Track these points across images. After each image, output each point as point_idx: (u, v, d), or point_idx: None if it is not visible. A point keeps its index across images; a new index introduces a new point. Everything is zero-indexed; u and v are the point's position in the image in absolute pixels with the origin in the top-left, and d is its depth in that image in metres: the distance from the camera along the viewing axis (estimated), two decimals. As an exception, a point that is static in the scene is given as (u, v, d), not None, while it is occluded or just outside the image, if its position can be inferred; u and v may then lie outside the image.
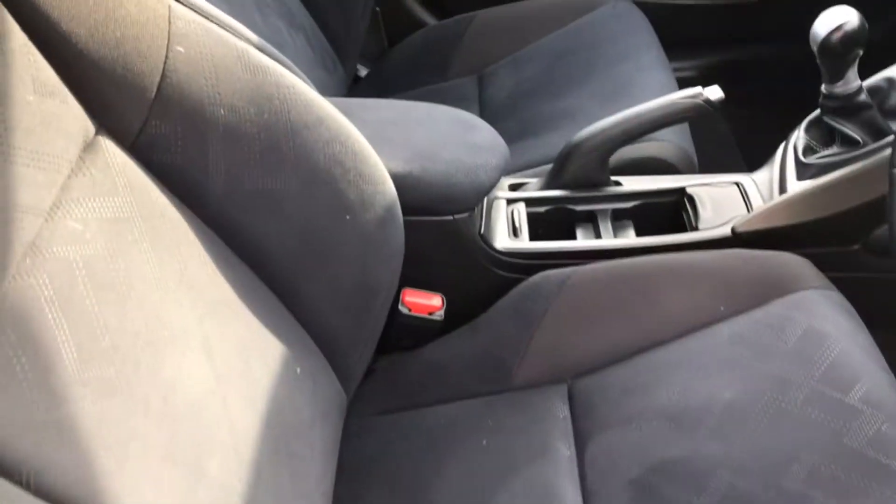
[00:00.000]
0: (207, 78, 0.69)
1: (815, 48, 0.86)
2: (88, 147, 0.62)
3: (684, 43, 1.66)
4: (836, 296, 0.82)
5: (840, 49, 0.84)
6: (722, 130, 1.60)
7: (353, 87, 1.49)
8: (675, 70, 1.33)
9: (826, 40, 0.84)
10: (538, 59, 1.38)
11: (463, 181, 0.88)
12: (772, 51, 1.68)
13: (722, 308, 0.82)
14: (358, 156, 0.79)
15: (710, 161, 1.21)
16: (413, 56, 1.52)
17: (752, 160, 1.51)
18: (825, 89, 0.90)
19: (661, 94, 1.20)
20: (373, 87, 1.50)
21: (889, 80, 0.95)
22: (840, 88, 0.88)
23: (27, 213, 0.54)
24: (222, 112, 0.69)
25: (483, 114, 1.34)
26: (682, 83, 1.29)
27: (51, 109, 0.58)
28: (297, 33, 1.27)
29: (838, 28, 0.83)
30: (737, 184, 0.98)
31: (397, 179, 0.83)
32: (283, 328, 0.75)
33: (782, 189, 0.93)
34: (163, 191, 0.67)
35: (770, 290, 0.82)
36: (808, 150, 0.94)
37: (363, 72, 1.58)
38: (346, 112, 0.83)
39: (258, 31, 1.15)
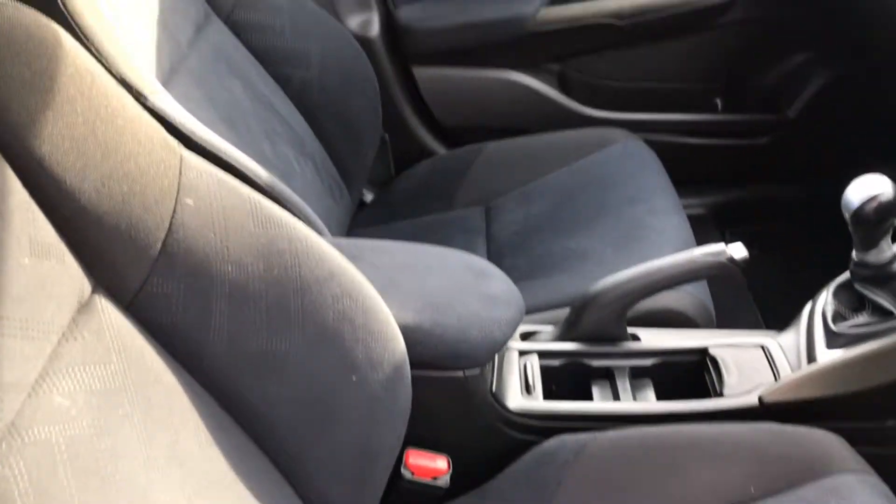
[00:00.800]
0: (216, 232, 0.65)
1: (847, 216, 0.83)
2: (83, 308, 0.57)
3: (694, 180, 1.65)
4: (874, 481, 0.76)
5: (874, 219, 0.81)
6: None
7: (357, 213, 1.46)
8: (685, 207, 1.32)
9: (860, 210, 0.81)
10: (547, 195, 1.36)
11: (476, 336, 0.83)
12: (782, 191, 1.67)
13: (752, 489, 0.76)
14: (368, 312, 0.74)
15: (724, 310, 1.17)
16: (420, 184, 1.50)
17: (766, 307, 1.49)
18: (857, 257, 0.86)
19: (675, 240, 1.19)
20: (378, 214, 1.47)
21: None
22: (873, 257, 0.85)
23: (9, 391, 0.48)
24: (229, 268, 0.65)
25: (490, 248, 1.31)
26: (692, 221, 1.27)
27: (46, 272, 0.54)
28: (305, 161, 1.24)
29: (873, 198, 0.80)
30: (762, 347, 0.93)
31: (407, 332, 0.78)
32: (278, 501, 0.68)
33: (811, 357, 0.88)
34: (159, 353, 0.62)
35: (804, 471, 0.76)
36: (838, 317, 0.90)
37: (368, 197, 1.55)
38: (357, 256, 0.79)
39: (267, 161, 1.13)
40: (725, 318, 1.16)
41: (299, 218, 0.97)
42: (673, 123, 1.63)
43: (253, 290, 0.66)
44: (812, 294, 0.98)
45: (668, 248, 1.16)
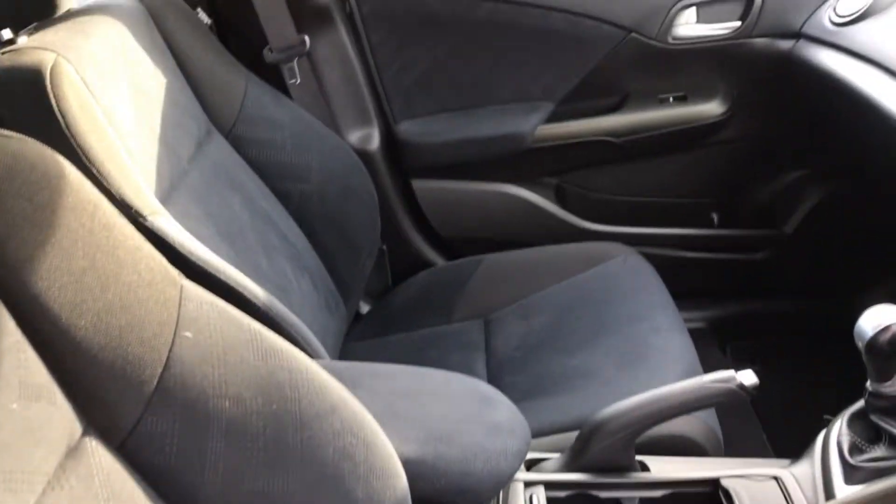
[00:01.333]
0: (215, 366, 0.62)
1: (860, 345, 0.81)
2: (72, 452, 0.54)
3: (693, 294, 1.64)
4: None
5: (888, 350, 0.79)
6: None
7: (353, 325, 1.44)
8: (685, 321, 1.30)
9: (874, 340, 0.79)
10: (547, 310, 1.34)
11: (481, 470, 0.80)
12: (781, 306, 1.67)
13: None
14: (370, 447, 0.70)
15: (730, 432, 1.13)
16: (417, 296, 1.48)
17: (771, 428, 1.46)
18: (871, 387, 0.84)
19: (680, 360, 1.17)
20: (374, 327, 1.44)
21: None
22: (888, 388, 0.82)
23: (-11, 550, 0.45)
24: (227, 404, 0.62)
25: (490, 363, 1.28)
26: (693, 334, 1.25)
27: (35, 415, 0.51)
28: (302, 275, 1.23)
29: (886, 329, 0.79)
30: (776, 478, 0.90)
31: (409, 466, 0.74)
32: None
33: (829, 493, 0.85)
34: (151, 496, 0.58)
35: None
36: (854, 449, 0.87)
37: (365, 308, 1.53)
38: (356, 382, 0.76)
39: (263, 276, 1.12)
40: (732, 441, 1.13)
41: (297, 340, 0.95)
42: (670, 237, 1.63)
43: (251, 426, 0.63)
44: (817, 414, 0.96)
45: (673, 368, 1.14)
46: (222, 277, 0.89)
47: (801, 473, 0.90)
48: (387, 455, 0.72)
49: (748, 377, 0.90)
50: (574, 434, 0.96)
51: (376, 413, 0.73)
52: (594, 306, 1.31)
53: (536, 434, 1.06)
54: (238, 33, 1.47)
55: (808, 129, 1.51)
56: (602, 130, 1.54)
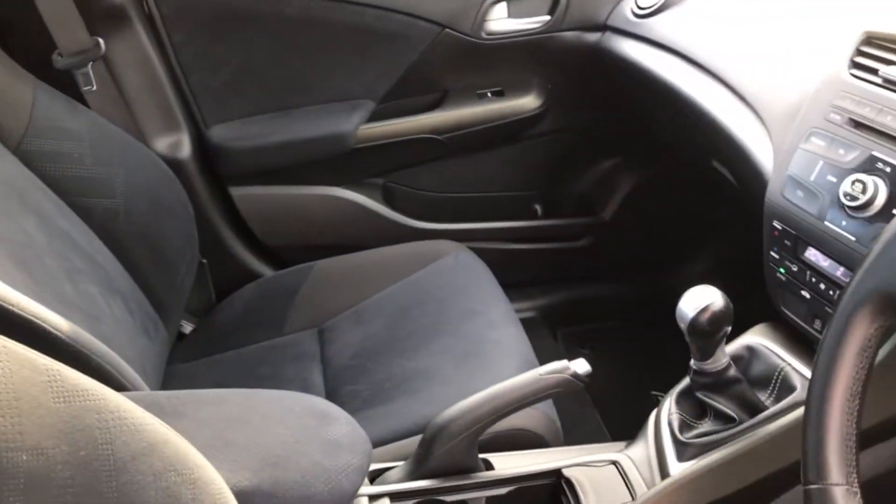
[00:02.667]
0: (6, 415, 0.54)
1: (683, 327, 0.84)
2: None
3: (523, 284, 1.67)
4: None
5: (709, 329, 0.82)
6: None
7: (177, 346, 1.35)
8: (516, 311, 1.32)
9: (695, 321, 0.82)
10: (382, 313, 1.31)
11: (322, 491, 0.75)
12: (605, 289, 1.73)
13: None
14: (197, 484, 0.64)
15: (567, 417, 1.16)
16: (246, 310, 1.41)
17: (605, 410, 1.51)
18: (695, 366, 0.88)
19: (515, 352, 1.18)
20: (200, 346, 1.36)
21: (748, 349, 0.95)
22: (710, 366, 0.86)
23: None
24: (24, 458, 0.54)
25: (327, 373, 1.24)
26: (524, 324, 1.27)
27: None
28: (113, 299, 1.12)
29: (705, 309, 0.82)
30: (615, 463, 0.92)
31: (244, 497, 0.69)
32: None
33: (663, 472, 0.88)
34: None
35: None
36: (684, 426, 0.90)
37: (188, 328, 1.44)
38: (179, 412, 0.70)
39: (69, 304, 1.01)
40: (572, 428, 1.15)
41: (110, 372, 0.86)
42: (497, 231, 1.65)
43: (56, 478, 0.55)
44: (648, 394, 0.99)
45: (509, 361, 1.15)
46: (16, 310, 0.79)
47: (637, 455, 0.93)
48: (217, 490, 0.66)
49: (580, 365, 0.91)
50: (417, 439, 0.94)
51: (203, 444, 0.67)
52: (429, 306, 1.30)
53: (379, 443, 1.04)
54: (22, 37, 1.33)
55: (618, 118, 1.57)
56: (425, 128, 1.53)
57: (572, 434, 1.15)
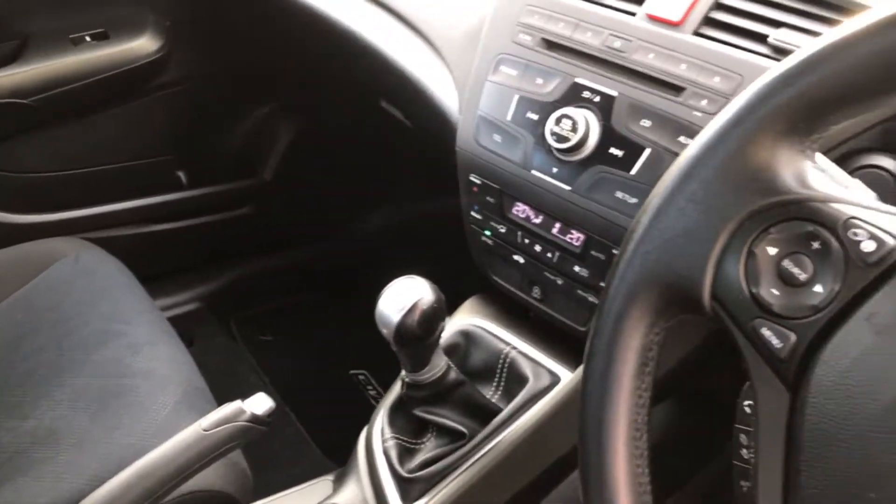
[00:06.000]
0: None
1: (385, 333, 0.63)
2: None
3: (176, 272, 1.37)
4: None
5: (420, 333, 0.62)
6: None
7: None
8: (175, 306, 1.03)
9: (402, 327, 0.62)
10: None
11: None
12: (279, 262, 1.48)
13: None
14: None
15: (269, 445, 0.92)
16: None
17: (304, 409, 1.28)
18: (408, 378, 0.68)
19: (172, 381, 0.91)
20: None
21: (464, 335, 0.77)
22: (426, 375, 0.66)
23: None
24: None
25: None
26: (189, 318, 1.00)
27: None
28: None
29: (412, 309, 0.61)
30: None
31: None
32: None
33: (389, 519, 0.68)
34: None
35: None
36: (404, 453, 0.71)
37: None
38: None
39: None
40: (276, 457, 0.92)
41: None
42: (132, 212, 1.31)
43: None
44: (347, 377, 0.79)
45: (166, 394, 0.88)
46: None
47: (349, 499, 0.72)
48: None
49: (259, 403, 0.67)
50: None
51: None
52: (44, 334, 0.96)
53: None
54: None
55: (265, 58, 1.30)
56: (2, 90, 1.14)
57: (282, 467, 0.91)
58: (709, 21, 0.65)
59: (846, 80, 0.36)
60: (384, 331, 0.63)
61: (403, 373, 0.68)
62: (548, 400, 0.70)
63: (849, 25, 0.36)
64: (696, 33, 0.65)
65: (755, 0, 0.65)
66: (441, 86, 0.81)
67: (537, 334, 0.76)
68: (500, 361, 0.74)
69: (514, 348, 0.74)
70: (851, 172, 0.58)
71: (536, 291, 0.75)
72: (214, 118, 1.36)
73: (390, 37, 0.89)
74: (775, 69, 0.38)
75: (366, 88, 1.08)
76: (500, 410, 0.69)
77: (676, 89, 0.64)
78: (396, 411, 0.73)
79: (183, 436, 0.65)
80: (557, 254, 0.71)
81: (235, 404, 0.67)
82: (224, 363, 1.29)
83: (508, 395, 0.72)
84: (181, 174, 1.37)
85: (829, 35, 0.36)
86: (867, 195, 0.45)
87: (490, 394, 0.73)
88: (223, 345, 1.33)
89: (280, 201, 1.43)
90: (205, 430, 0.65)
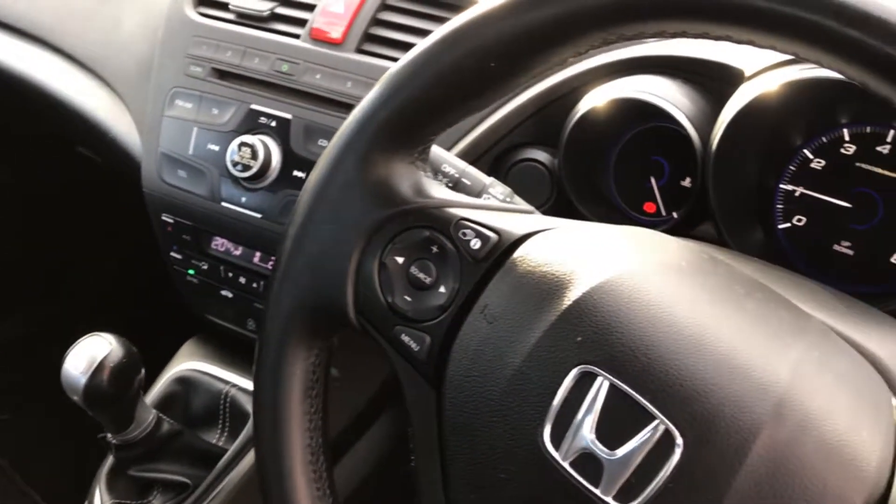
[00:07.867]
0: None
1: (77, 399, 0.59)
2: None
3: None
4: None
5: (115, 391, 0.59)
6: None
7: None
8: None
9: (92, 389, 0.57)
10: None
11: None
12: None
13: None
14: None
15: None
16: None
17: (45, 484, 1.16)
18: (116, 440, 0.63)
19: None
20: None
21: (181, 381, 0.74)
22: (135, 433, 0.63)
23: None
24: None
25: None
26: None
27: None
28: None
29: (100, 367, 0.57)
30: None
31: None
32: None
33: None
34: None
35: None
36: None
37: None
38: None
39: None
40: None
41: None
42: None
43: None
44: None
45: None
46: None
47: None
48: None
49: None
50: None
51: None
52: None
53: None
54: None
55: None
56: None
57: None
58: (369, 37, 0.67)
59: (430, 95, 0.38)
60: (74, 397, 0.58)
61: (108, 436, 0.64)
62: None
63: (422, 43, 0.38)
64: (360, 50, 0.67)
65: (412, 14, 0.68)
66: (121, 125, 0.77)
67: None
68: (221, 402, 0.72)
69: (234, 385, 0.72)
70: (510, 167, 0.62)
71: (251, 324, 0.74)
72: None
73: (61, 77, 0.83)
74: (371, 92, 0.39)
75: (59, 135, 1.00)
76: (224, 453, 0.67)
77: (346, 107, 0.65)
78: (117, 475, 0.69)
79: None
80: (263, 283, 0.70)
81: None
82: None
83: (234, 435, 0.70)
84: None
85: (409, 54, 0.38)
86: (503, 191, 0.49)
87: (216, 437, 0.71)
88: None
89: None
90: None
